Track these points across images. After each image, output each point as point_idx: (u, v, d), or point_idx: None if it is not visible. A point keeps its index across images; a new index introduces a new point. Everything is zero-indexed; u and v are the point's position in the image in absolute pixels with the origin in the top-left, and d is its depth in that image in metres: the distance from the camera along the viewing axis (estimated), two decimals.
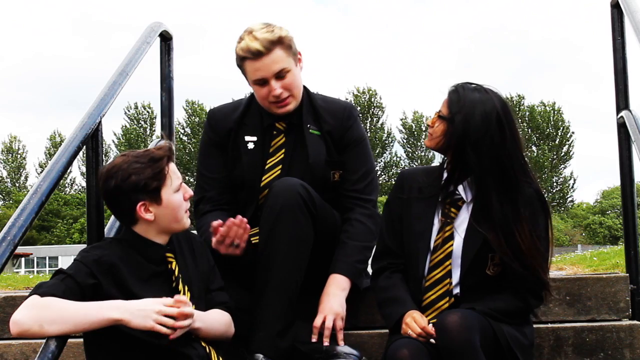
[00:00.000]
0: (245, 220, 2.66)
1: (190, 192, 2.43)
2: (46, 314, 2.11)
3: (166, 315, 2.18)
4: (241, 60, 2.84)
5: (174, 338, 2.19)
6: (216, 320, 2.40)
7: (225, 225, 2.63)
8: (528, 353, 2.46)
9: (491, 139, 2.48)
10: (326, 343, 2.65)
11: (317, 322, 2.67)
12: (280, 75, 2.81)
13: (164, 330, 2.17)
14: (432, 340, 2.35)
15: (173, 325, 2.18)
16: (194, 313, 2.25)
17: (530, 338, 2.50)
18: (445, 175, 2.62)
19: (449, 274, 2.53)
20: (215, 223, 2.65)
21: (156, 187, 2.32)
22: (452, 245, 2.54)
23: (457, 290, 2.53)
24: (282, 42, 2.81)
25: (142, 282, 2.29)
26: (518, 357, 2.39)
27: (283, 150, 2.92)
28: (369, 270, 2.93)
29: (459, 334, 2.22)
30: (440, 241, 2.56)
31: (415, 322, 2.42)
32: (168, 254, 2.39)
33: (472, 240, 2.51)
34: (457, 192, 2.58)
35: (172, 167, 2.39)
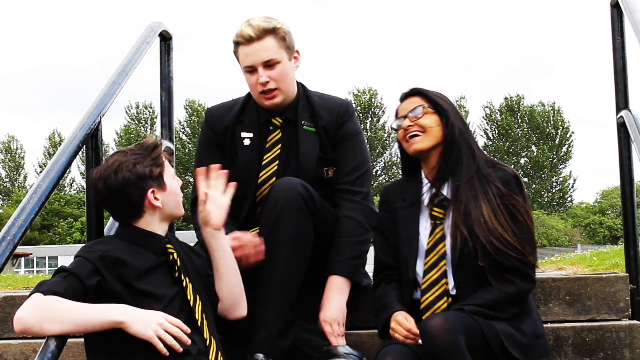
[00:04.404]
0: (263, 247, 2.65)
1: (180, 181, 2.50)
2: (49, 313, 2.11)
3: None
4: (235, 47, 2.89)
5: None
6: (235, 265, 2.51)
7: (240, 240, 2.64)
8: (529, 348, 2.43)
9: (463, 126, 2.67)
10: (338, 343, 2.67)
11: (326, 330, 2.68)
12: (269, 64, 2.83)
13: (159, 345, 2.16)
14: (421, 342, 2.35)
15: (170, 344, 2.18)
16: (189, 342, 2.23)
17: (531, 331, 2.47)
18: (424, 180, 2.67)
19: (445, 275, 2.54)
20: (231, 236, 2.65)
21: (160, 173, 2.40)
22: (444, 246, 2.56)
23: (456, 290, 2.53)
24: (275, 33, 2.84)
25: (145, 275, 2.29)
26: (514, 355, 2.37)
27: (279, 146, 2.92)
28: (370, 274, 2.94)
29: (442, 336, 2.22)
30: (433, 243, 2.57)
31: (401, 325, 2.45)
32: (169, 245, 2.40)
33: (458, 236, 2.51)
34: (441, 192, 2.60)
35: (165, 155, 2.47)
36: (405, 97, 2.73)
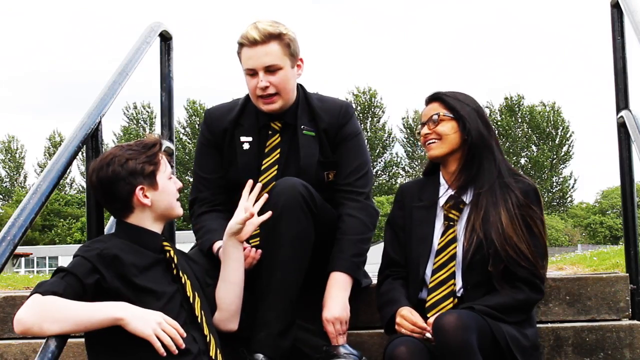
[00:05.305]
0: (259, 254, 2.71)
1: (179, 183, 2.50)
2: (48, 313, 2.11)
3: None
4: (239, 47, 2.87)
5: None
6: (243, 277, 2.55)
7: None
8: (528, 354, 2.45)
9: (486, 130, 2.65)
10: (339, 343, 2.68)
11: (329, 329, 2.68)
12: (270, 69, 2.82)
13: (157, 344, 2.16)
14: (428, 335, 2.38)
15: (167, 344, 2.18)
16: (183, 345, 2.22)
17: (533, 340, 2.50)
18: (442, 182, 2.69)
19: (452, 275, 2.57)
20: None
21: (152, 171, 2.39)
22: (455, 247, 2.58)
23: (462, 291, 2.55)
24: (280, 38, 2.82)
25: (144, 272, 2.29)
26: (517, 357, 2.39)
27: (278, 151, 2.91)
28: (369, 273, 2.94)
29: (455, 333, 2.23)
30: (444, 244, 2.60)
31: (406, 319, 2.47)
32: (164, 242, 2.40)
33: (473, 239, 2.53)
34: (461, 198, 2.62)
35: (163, 155, 2.47)
36: (427, 101, 2.76)
